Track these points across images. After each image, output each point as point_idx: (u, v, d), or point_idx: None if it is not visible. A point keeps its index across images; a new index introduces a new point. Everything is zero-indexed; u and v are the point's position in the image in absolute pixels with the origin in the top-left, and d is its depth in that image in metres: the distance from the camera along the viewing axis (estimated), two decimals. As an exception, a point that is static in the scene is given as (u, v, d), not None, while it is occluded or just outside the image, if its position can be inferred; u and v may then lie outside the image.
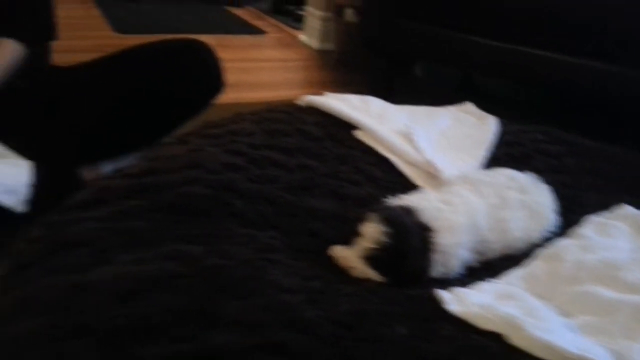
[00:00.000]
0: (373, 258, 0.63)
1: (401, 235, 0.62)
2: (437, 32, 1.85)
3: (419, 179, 0.85)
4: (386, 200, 0.72)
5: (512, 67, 1.74)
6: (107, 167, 1.20)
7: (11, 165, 1.04)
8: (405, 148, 0.91)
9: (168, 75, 1.15)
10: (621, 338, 0.53)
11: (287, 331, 0.48)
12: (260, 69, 2.48)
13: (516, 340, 0.51)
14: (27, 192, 1.02)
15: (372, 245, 0.63)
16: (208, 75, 1.18)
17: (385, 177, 0.89)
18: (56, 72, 1.26)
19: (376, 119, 1.00)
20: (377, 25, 1.97)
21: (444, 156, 0.88)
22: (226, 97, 1.27)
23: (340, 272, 0.65)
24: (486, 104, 1.17)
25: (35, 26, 1.19)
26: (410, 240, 0.62)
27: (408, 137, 0.92)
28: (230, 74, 1.27)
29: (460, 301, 0.56)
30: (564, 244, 0.71)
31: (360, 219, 0.69)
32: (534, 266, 0.67)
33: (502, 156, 0.96)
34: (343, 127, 1.02)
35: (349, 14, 2.40)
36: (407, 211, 0.65)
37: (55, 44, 1.25)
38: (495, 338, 0.52)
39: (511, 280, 0.64)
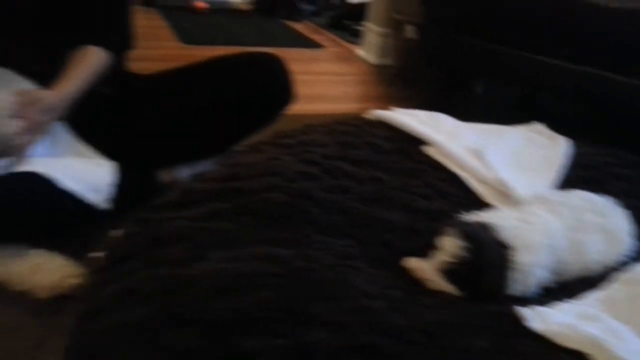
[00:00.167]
0: (451, 272, 0.64)
1: (480, 250, 0.63)
2: (500, 50, 1.84)
3: (490, 197, 0.86)
4: (460, 215, 0.73)
5: (577, 88, 1.71)
6: (182, 172, 1.26)
7: (97, 166, 1.11)
8: (476, 165, 0.92)
9: (243, 86, 1.20)
10: None
11: (375, 334, 0.50)
12: (318, 82, 2.53)
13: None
14: (111, 191, 1.08)
15: (450, 259, 0.64)
16: (280, 87, 1.22)
17: (455, 192, 0.90)
18: (136, 79, 1.34)
19: (446, 135, 1.01)
20: (439, 42, 1.99)
21: (516, 175, 0.89)
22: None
23: (415, 283, 0.67)
24: (545, 123, 1.17)
25: (118, 36, 1.27)
26: (489, 256, 0.64)
27: (479, 154, 0.93)
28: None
29: (541, 319, 0.57)
30: (642, 268, 0.71)
31: (433, 233, 0.70)
32: (613, 290, 0.66)
33: (574, 178, 0.95)
34: (411, 142, 1.04)
35: (409, 30, 2.42)
36: (486, 227, 0.66)
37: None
38: (578, 357, 0.52)
39: (590, 302, 0.64)
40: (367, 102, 2.39)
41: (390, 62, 2.68)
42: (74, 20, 1.17)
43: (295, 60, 2.75)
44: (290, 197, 0.80)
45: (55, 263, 0.94)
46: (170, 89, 1.28)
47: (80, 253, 1.00)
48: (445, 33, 1.96)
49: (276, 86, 1.22)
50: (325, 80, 2.58)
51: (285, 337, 0.50)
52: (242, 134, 1.27)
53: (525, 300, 0.64)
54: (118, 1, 1.27)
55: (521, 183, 0.87)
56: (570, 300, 0.65)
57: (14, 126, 0.93)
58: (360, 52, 2.90)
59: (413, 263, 0.70)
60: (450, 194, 0.89)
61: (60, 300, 0.91)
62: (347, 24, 3.35)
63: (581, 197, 0.77)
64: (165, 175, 1.25)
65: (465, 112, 1.20)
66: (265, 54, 1.26)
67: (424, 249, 0.70)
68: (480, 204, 0.85)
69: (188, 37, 2.94)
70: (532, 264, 0.65)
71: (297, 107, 1.31)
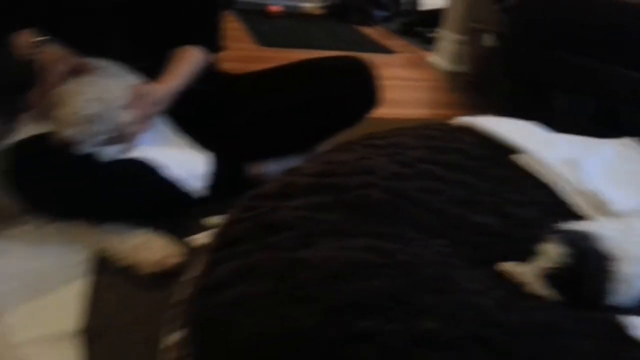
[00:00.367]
0: (552, 277, 0.65)
1: (583, 258, 0.64)
2: (585, 62, 1.81)
3: (586, 208, 0.86)
4: (557, 224, 0.74)
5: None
6: (269, 166, 1.32)
7: (194, 156, 1.19)
8: (570, 176, 0.92)
9: (332, 89, 1.25)
10: None
11: (487, 328, 0.52)
12: (389, 87, 2.53)
13: None
14: (206, 180, 1.16)
15: (552, 265, 0.65)
16: (367, 92, 1.26)
17: (547, 201, 0.90)
18: (229, 78, 1.42)
19: (538, 144, 1.01)
20: (521, 52, 1.97)
21: (612, 189, 0.88)
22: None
23: (512, 286, 0.69)
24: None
25: (214, 38, 1.35)
26: (592, 264, 0.64)
27: (574, 165, 0.93)
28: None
29: (645, 329, 0.57)
30: None
31: (526, 239, 0.72)
32: None
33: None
34: (500, 149, 1.05)
35: (487, 39, 2.41)
36: (588, 236, 0.67)
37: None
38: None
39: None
40: (438, 108, 2.40)
41: (463, 70, 2.67)
42: (175, 22, 1.25)
43: (367, 64, 2.81)
44: (386, 195, 0.83)
45: (158, 242, 1.02)
46: (261, 88, 1.34)
47: (177, 235, 1.08)
48: (527, 43, 1.94)
49: (364, 90, 1.26)
50: (396, 85, 2.60)
51: (399, 322, 0.53)
52: (326, 134, 1.32)
53: (626, 311, 0.65)
54: (213, 5, 1.36)
55: (618, 196, 0.86)
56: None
57: (127, 116, 1.02)
58: (432, 58, 2.90)
59: (510, 267, 0.71)
60: (543, 203, 0.90)
61: (162, 277, 0.98)
62: (418, 30, 3.36)
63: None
64: (254, 169, 1.31)
65: (543, 123, 1.20)
66: (355, 59, 1.30)
67: (517, 254, 0.72)
68: (574, 215, 0.85)
69: (264, 39, 3.04)
70: (634, 275, 0.66)
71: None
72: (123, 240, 1.01)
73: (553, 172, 0.92)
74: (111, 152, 1.00)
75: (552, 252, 0.66)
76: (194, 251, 1.05)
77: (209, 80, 1.30)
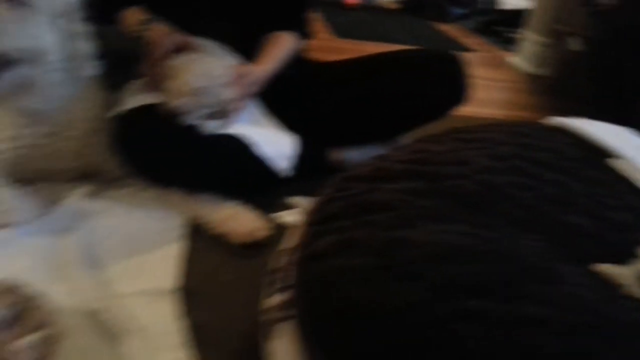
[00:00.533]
0: (655, 280, 0.65)
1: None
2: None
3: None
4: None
5: None
6: (350, 153, 1.35)
7: (283, 137, 1.23)
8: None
9: (420, 81, 1.25)
10: None
11: (595, 318, 0.53)
12: (466, 86, 2.52)
13: None
14: (293, 161, 1.20)
15: (655, 268, 0.65)
16: (456, 87, 1.26)
17: (645, 208, 0.88)
18: (316, 65, 1.45)
19: (634, 150, 0.99)
20: (609, 57, 1.90)
21: None
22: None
23: (611, 287, 0.68)
24: None
25: (305, 25, 1.39)
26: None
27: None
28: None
29: None
30: None
31: (623, 242, 0.71)
32: None
33: None
34: (595, 152, 1.03)
35: (572, 42, 2.33)
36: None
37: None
38: None
39: None
40: (515, 110, 2.35)
41: (545, 73, 2.60)
42: (271, 8, 1.30)
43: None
44: (479, 187, 0.84)
45: (248, 215, 1.07)
46: (348, 76, 1.36)
47: (263, 211, 1.12)
48: (617, 48, 1.87)
49: (454, 86, 1.26)
50: (474, 84, 2.56)
51: (506, 304, 0.54)
52: (409, 127, 1.33)
53: None
54: None
55: None
56: None
57: (229, 93, 1.07)
58: (512, 59, 2.83)
59: (608, 268, 0.71)
60: (639, 209, 0.88)
61: (250, 247, 1.04)
62: (499, 30, 3.29)
63: None
64: (335, 154, 1.35)
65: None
66: (449, 53, 1.30)
67: (612, 257, 0.71)
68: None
69: (340, 31, 3.07)
70: None
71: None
72: (215, 210, 1.07)
73: (652, 179, 0.90)
74: (211, 126, 1.06)
75: (656, 256, 0.65)
76: (280, 227, 1.10)
77: (297, 66, 1.34)
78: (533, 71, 2.65)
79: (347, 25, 3.25)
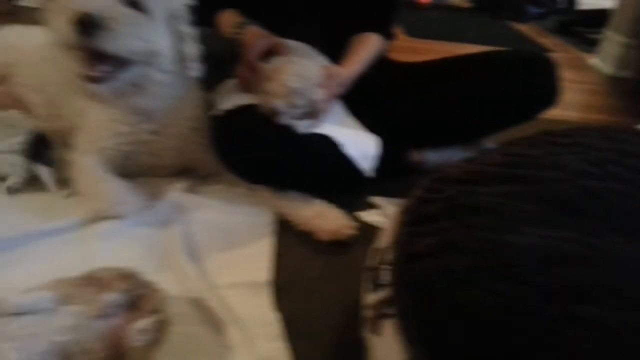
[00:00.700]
0: None
1: None
2: None
3: None
4: None
5: None
6: (430, 155, 1.35)
7: (366, 138, 1.25)
8: None
9: (510, 84, 1.22)
10: None
11: None
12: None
13: None
14: (375, 161, 1.21)
15: None
16: (548, 90, 1.23)
17: None
18: (397, 66, 1.46)
19: None
20: None
21: None
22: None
23: None
24: None
25: (390, 26, 1.40)
26: None
27: None
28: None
29: None
30: None
31: None
32: None
33: None
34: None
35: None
36: None
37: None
38: None
39: None
40: (595, 113, 2.25)
41: (627, 75, 2.47)
42: (359, 9, 1.32)
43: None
44: (579, 191, 0.82)
45: (334, 213, 1.09)
46: (433, 78, 1.36)
47: (346, 210, 1.14)
48: None
49: (545, 88, 1.22)
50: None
51: (619, 311, 0.54)
52: (496, 129, 1.31)
53: None
54: None
55: None
56: None
57: (320, 94, 1.10)
58: (592, 60, 2.72)
59: None
60: None
61: (337, 245, 1.06)
62: (579, 30, 3.15)
63: None
64: (415, 155, 1.35)
65: None
66: (539, 55, 1.27)
67: None
68: None
69: (413, 30, 3.05)
70: None
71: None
72: (302, 208, 1.10)
73: None
74: (303, 126, 1.09)
75: None
76: (364, 225, 1.12)
77: (378, 67, 1.35)
78: (615, 73, 2.53)
79: (419, 24, 3.22)
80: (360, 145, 1.21)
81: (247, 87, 1.14)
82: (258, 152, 1.05)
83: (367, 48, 1.30)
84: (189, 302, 0.87)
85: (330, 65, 1.18)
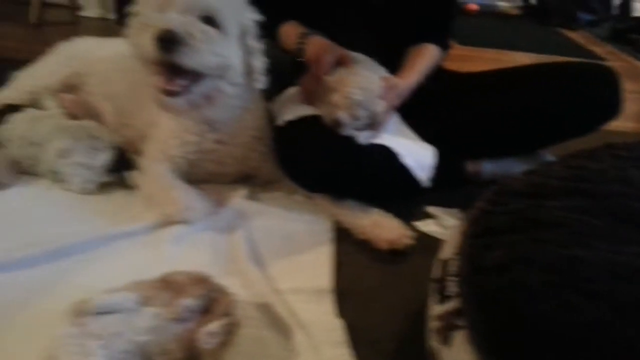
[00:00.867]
0: None
1: None
2: None
3: None
4: None
5: None
6: (487, 165, 1.34)
7: (422, 148, 1.26)
8: None
9: (571, 95, 1.21)
10: None
11: None
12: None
13: None
14: (431, 171, 1.22)
15: None
16: (612, 102, 1.21)
17: None
18: (451, 76, 1.46)
19: None
20: None
21: None
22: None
23: None
24: None
25: (447, 36, 1.40)
26: None
27: None
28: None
29: None
30: None
31: None
32: None
33: None
34: None
35: None
36: None
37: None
38: None
39: None
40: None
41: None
42: (418, 20, 1.33)
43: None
44: (647, 207, 0.82)
45: (392, 222, 1.11)
46: (489, 88, 1.35)
47: (403, 219, 1.16)
48: None
49: (609, 100, 1.21)
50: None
51: None
52: (556, 141, 1.30)
53: None
54: (452, 5, 1.41)
55: None
56: None
57: (381, 105, 1.12)
58: (649, 68, 2.64)
59: None
60: None
61: (394, 254, 1.08)
62: (633, 38, 3.06)
63: None
64: (471, 166, 1.35)
65: None
66: (601, 66, 1.26)
67: None
68: None
69: (461, 37, 3.02)
70: None
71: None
72: (360, 216, 1.12)
73: None
74: (363, 137, 1.12)
75: None
76: (421, 235, 1.13)
77: (434, 77, 1.36)
78: (677, 82, 2.44)
79: (467, 31, 3.19)
80: (418, 156, 1.22)
81: (310, 98, 1.17)
82: (320, 162, 1.07)
83: (425, 59, 1.31)
84: (255, 307, 0.90)
85: (390, 77, 1.20)
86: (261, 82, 1.06)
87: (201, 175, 1.19)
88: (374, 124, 1.13)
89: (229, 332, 0.80)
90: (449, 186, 1.30)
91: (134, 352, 0.73)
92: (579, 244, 0.70)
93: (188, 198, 1.08)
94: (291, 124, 1.13)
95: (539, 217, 0.78)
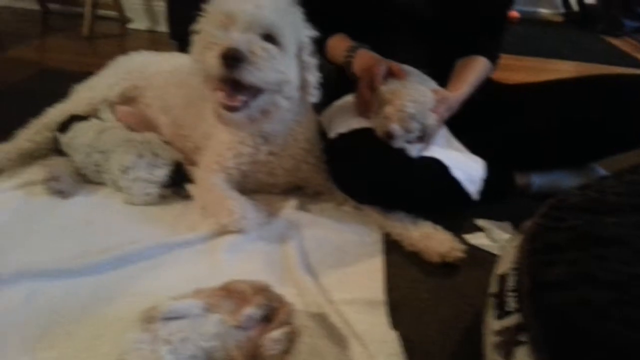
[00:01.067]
0: None
1: None
2: None
3: None
4: None
5: None
6: (536, 178, 1.33)
7: (472, 160, 1.26)
8: None
9: (627, 108, 1.19)
10: None
11: None
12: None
13: None
14: (481, 184, 1.22)
15: None
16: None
17: None
18: (498, 87, 1.46)
19: None
20: None
21: None
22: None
23: None
24: None
25: (497, 49, 1.40)
26: None
27: None
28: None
29: None
30: None
31: None
32: None
33: None
34: None
35: None
36: None
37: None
38: None
39: None
40: None
41: None
42: (467, 33, 1.33)
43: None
44: None
45: (443, 235, 1.11)
46: (536, 100, 1.34)
47: (452, 232, 1.16)
48: None
49: None
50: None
51: None
52: (606, 154, 1.28)
53: None
54: (503, 17, 1.41)
55: None
56: None
57: (432, 118, 1.13)
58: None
59: None
60: None
61: (445, 266, 1.08)
62: (682, 44, 2.98)
63: None
64: (520, 178, 1.34)
65: None
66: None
67: None
68: None
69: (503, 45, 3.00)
70: None
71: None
72: (410, 228, 1.13)
73: None
74: (414, 150, 1.13)
75: None
76: (471, 248, 1.13)
77: (484, 89, 1.36)
78: None
79: (509, 39, 3.15)
80: (467, 168, 1.22)
81: (365, 109, 1.19)
82: (372, 174, 1.09)
83: (474, 71, 1.31)
84: (311, 316, 0.92)
85: (440, 89, 1.21)
86: (315, 96, 1.09)
87: (252, 186, 1.22)
88: (425, 137, 1.14)
89: (290, 340, 0.82)
90: (498, 199, 1.30)
91: (200, 357, 0.76)
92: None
93: (242, 208, 1.11)
94: (343, 136, 1.15)
95: (598, 233, 0.77)
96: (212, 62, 0.89)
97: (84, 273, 0.99)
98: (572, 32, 3.49)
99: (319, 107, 1.35)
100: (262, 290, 0.84)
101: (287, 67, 0.98)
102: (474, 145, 1.30)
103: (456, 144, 1.29)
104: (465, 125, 1.33)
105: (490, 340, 0.77)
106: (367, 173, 1.09)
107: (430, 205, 1.18)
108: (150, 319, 0.77)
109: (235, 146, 1.14)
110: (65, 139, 1.27)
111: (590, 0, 3.62)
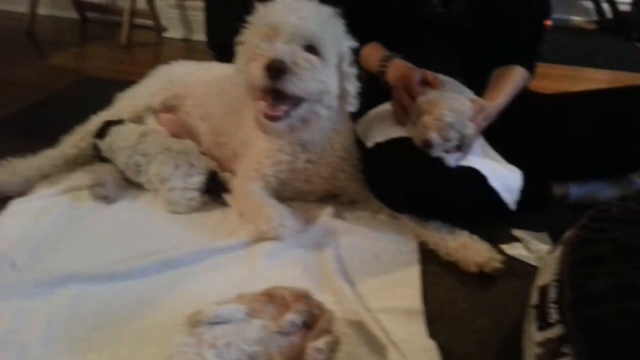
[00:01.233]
0: None
1: None
2: None
3: None
4: None
5: None
6: (573, 189, 1.32)
7: (509, 170, 1.25)
8: None
9: None
10: None
11: None
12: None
13: None
14: (518, 194, 1.21)
15: None
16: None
17: None
18: (534, 96, 1.45)
19: None
20: None
21: None
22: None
23: None
24: None
25: (534, 58, 1.40)
26: None
27: None
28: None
29: None
30: None
31: None
32: None
33: None
34: None
35: None
36: None
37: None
38: None
39: None
40: None
41: None
42: (504, 43, 1.33)
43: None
44: None
45: (481, 245, 1.11)
46: (575, 109, 1.33)
47: (490, 242, 1.15)
48: None
49: None
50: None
51: None
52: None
53: None
54: (540, 27, 1.40)
55: None
56: None
57: (470, 127, 1.13)
58: None
59: None
60: None
61: (482, 277, 1.08)
62: None
63: None
64: (557, 189, 1.32)
65: None
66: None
67: None
68: None
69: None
70: None
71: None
72: (447, 238, 1.13)
73: None
74: (452, 159, 1.13)
75: None
76: (507, 259, 1.13)
77: (519, 99, 1.35)
78: None
79: (542, 47, 3.13)
80: (505, 178, 1.21)
81: (399, 120, 1.20)
82: (410, 183, 1.10)
83: (512, 81, 1.31)
84: (349, 324, 0.93)
85: (477, 99, 1.21)
86: (353, 105, 1.10)
87: (290, 193, 1.24)
88: (462, 146, 1.14)
89: (332, 348, 0.83)
90: (535, 209, 1.29)
91: (243, 362, 0.78)
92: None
93: (280, 215, 1.13)
94: (381, 145, 1.16)
95: (639, 244, 0.77)
96: (257, 73, 0.92)
97: (129, 277, 1.02)
98: (605, 39, 3.43)
99: (354, 116, 1.37)
100: (302, 296, 0.86)
101: (328, 78, 1.00)
102: (509, 155, 1.30)
103: (493, 153, 1.29)
104: (501, 134, 1.33)
105: (532, 351, 0.77)
106: (405, 182, 1.10)
107: (467, 215, 1.18)
108: (195, 323, 0.79)
109: (273, 154, 1.16)
110: (104, 144, 1.31)
111: (625, 7, 3.55)
